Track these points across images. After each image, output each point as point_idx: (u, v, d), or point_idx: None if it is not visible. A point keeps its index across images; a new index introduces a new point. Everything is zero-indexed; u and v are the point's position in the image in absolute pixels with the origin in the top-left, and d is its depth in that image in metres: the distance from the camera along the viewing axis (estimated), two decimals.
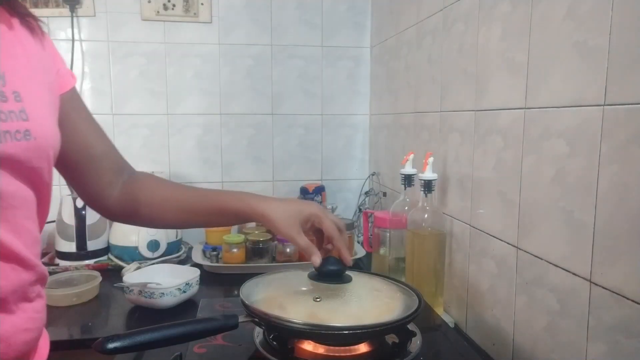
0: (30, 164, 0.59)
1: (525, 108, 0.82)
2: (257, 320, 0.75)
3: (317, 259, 0.78)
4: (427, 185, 1.05)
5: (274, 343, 0.77)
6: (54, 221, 1.42)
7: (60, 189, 1.45)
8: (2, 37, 0.60)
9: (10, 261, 0.58)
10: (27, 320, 0.60)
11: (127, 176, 0.82)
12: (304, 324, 0.70)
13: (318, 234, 0.83)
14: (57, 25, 1.56)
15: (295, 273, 0.89)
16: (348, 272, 0.82)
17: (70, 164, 0.74)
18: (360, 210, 1.68)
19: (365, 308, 0.77)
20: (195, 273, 1.16)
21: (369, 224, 1.40)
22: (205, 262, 1.37)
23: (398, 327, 0.76)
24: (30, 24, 0.65)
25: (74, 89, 0.75)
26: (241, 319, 0.74)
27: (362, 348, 0.77)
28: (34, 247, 0.62)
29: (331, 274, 0.78)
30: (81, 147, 0.75)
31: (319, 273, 0.79)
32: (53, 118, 0.66)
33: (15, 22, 0.62)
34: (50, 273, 1.16)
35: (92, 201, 0.81)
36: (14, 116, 0.57)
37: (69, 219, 1.41)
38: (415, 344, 0.77)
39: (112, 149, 0.81)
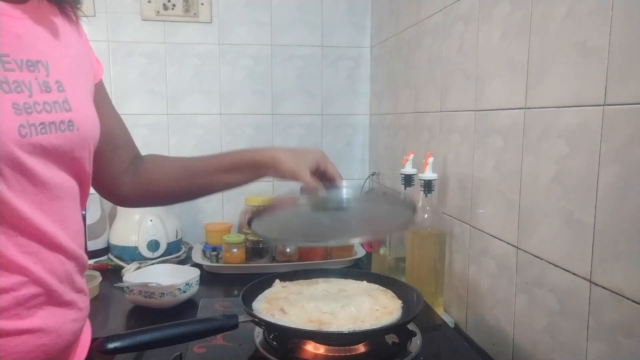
0: (72, 155, 0.60)
1: (525, 108, 0.82)
2: (256, 320, 0.75)
3: (322, 191, 0.79)
4: (427, 185, 1.05)
5: (274, 343, 0.77)
6: None
7: None
8: (44, 26, 0.60)
9: (57, 251, 0.59)
10: (75, 311, 0.62)
11: (137, 162, 0.84)
12: (305, 328, 0.71)
13: (319, 176, 0.84)
14: None
15: (299, 210, 0.85)
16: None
17: (94, 154, 0.69)
18: None
19: (365, 309, 0.78)
20: (195, 273, 1.16)
21: None
22: (205, 262, 1.37)
23: (398, 327, 0.76)
24: (67, 11, 0.65)
25: (101, 79, 0.77)
26: (241, 319, 0.74)
27: (362, 348, 0.77)
28: (79, 237, 0.64)
29: (332, 202, 0.80)
30: (107, 138, 0.74)
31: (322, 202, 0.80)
32: (93, 108, 0.67)
33: (54, 9, 0.63)
34: None
35: (107, 190, 0.82)
36: (58, 107, 0.58)
37: None
38: (415, 344, 0.77)
39: (130, 138, 0.84)
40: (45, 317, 0.57)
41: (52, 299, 0.58)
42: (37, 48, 0.58)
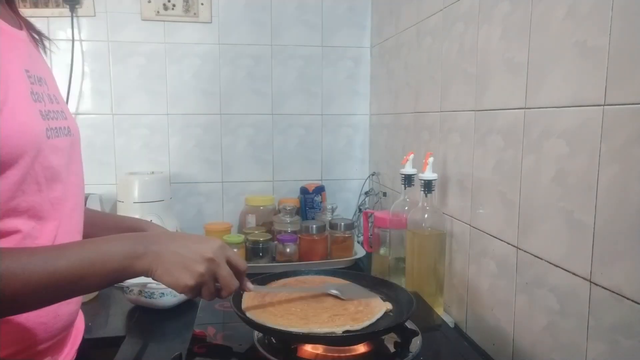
0: (73, 156, 0.72)
1: (525, 108, 0.82)
2: (248, 321, 0.75)
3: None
4: (427, 185, 1.05)
5: (274, 343, 0.77)
6: None
7: None
8: (36, 50, 0.72)
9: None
10: None
11: None
12: (296, 330, 0.71)
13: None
14: (57, 25, 1.56)
15: None
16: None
17: None
18: (360, 210, 1.68)
19: (352, 312, 0.77)
20: None
21: (369, 224, 1.40)
22: None
23: (396, 327, 0.76)
24: (44, 42, 0.77)
25: None
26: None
27: (363, 348, 0.77)
28: (81, 227, 0.76)
29: None
30: None
31: None
32: None
33: (27, 35, 0.72)
34: None
35: None
36: (60, 115, 0.70)
37: None
38: (416, 344, 0.77)
39: None
40: None
41: None
42: (39, 67, 0.69)
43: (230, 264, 0.68)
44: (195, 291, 0.66)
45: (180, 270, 0.64)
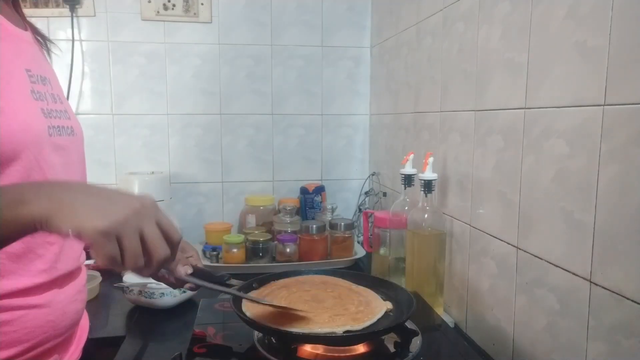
0: (75, 156, 0.72)
1: (525, 108, 0.82)
2: (250, 322, 0.75)
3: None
4: (427, 185, 1.05)
5: (274, 342, 0.77)
6: None
7: None
8: (40, 51, 0.73)
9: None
10: (76, 292, 0.72)
11: None
12: (304, 333, 0.71)
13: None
14: (57, 25, 1.56)
15: None
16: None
17: None
18: (360, 210, 1.68)
19: (352, 312, 0.77)
20: None
21: (369, 224, 1.40)
22: (205, 262, 1.37)
23: (396, 327, 0.76)
24: (48, 45, 0.78)
25: None
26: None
27: (362, 348, 0.77)
28: None
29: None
30: None
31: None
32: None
33: (31, 36, 0.74)
34: None
35: None
36: (63, 115, 0.70)
37: None
38: (416, 344, 0.77)
39: None
40: (52, 295, 0.66)
41: (57, 283, 0.68)
42: (43, 67, 0.70)
43: (160, 228, 0.53)
44: (109, 245, 0.48)
45: (90, 211, 0.48)
